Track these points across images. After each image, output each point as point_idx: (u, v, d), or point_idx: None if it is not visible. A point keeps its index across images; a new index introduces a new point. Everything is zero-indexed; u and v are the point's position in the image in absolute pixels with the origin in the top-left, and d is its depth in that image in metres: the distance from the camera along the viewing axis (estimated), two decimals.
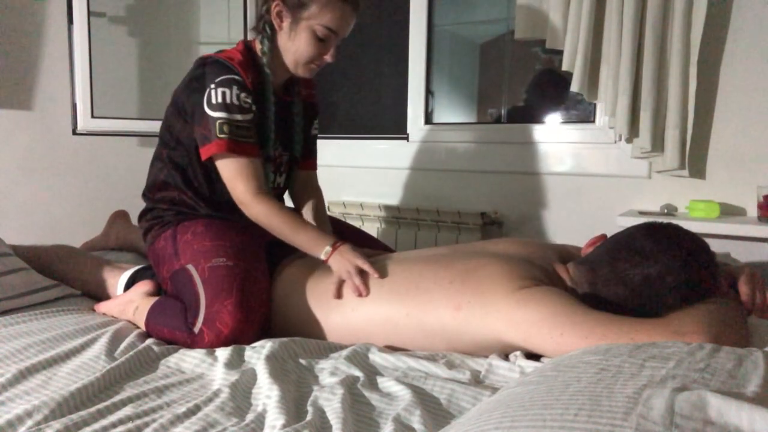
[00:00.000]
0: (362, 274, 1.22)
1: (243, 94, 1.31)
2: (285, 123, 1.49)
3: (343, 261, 1.24)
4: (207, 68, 1.32)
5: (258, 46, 1.40)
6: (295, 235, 1.31)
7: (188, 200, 1.40)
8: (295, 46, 1.36)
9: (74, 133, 2.20)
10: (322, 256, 1.27)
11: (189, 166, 1.40)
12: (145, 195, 1.49)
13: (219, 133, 1.28)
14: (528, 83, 2.42)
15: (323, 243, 1.29)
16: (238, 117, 1.30)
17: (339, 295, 1.23)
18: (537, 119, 2.31)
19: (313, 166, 1.66)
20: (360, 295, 1.19)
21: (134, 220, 2.01)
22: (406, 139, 2.47)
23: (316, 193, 1.62)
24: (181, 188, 1.40)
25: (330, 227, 1.56)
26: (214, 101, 1.28)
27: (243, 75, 1.32)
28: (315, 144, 1.65)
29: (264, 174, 1.38)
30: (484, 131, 2.33)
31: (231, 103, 1.28)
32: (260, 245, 1.37)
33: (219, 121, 1.28)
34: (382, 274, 1.21)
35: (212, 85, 1.29)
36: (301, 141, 1.54)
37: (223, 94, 1.28)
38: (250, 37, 1.46)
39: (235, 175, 1.31)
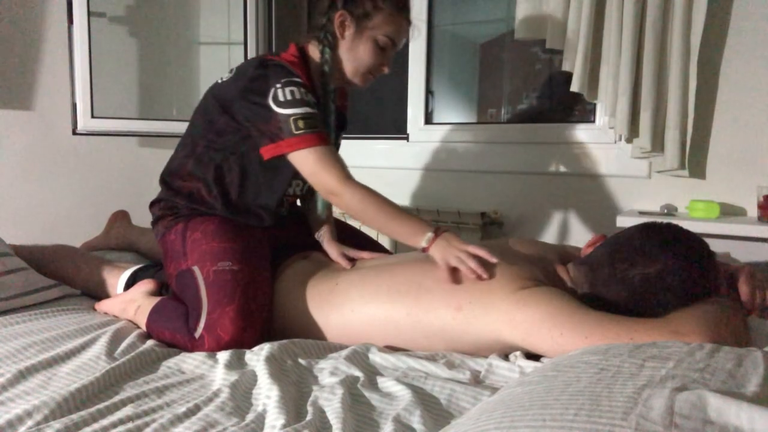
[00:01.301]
0: (472, 258, 1.15)
1: (309, 93, 1.30)
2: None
3: (450, 248, 1.17)
4: (270, 70, 1.31)
5: (315, 54, 1.42)
6: (392, 221, 1.25)
7: (207, 197, 1.38)
8: (355, 55, 1.39)
9: (74, 133, 2.20)
10: (424, 243, 1.20)
11: (224, 162, 1.38)
12: (164, 180, 1.45)
13: (295, 130, 1.26)
14: (542, 85, 2.42)
15: (425, 229, 1.22)
16: (310, 110, 1.28)
17: (457, 279, 1.13)
18: (537, 119, 2.31)
19: None
20: (480, 278, 1.11)
21: (135, 221, 2.01)
22: (406, 139, 2.47)
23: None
24: (207, 183, 1.38)
25: (334, 227, 1.55)
26: (282, 99, 1.27)
27: (304, 78, 1.32)
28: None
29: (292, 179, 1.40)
30: (484, 131, 2.33)
31: (301, 99, 1.27)
32: (267, 249, 1.37)
33: (292, 117, 1.26)
34: (494, 257, 1.12)
35: (278, 85, 1.27)
36: (334, 146, 1.54)
37: (292, 92, 1.27)
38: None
39: (320, 166, 1.27)
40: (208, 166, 1.38)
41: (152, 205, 1.47)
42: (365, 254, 1.41)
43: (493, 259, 1.12)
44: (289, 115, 1.26)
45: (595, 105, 2.10)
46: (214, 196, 1.38)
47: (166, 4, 2.51)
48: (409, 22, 1.41)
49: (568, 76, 1.92)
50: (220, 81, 1.40)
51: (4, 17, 2.13)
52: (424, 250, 1.20)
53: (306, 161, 1.28)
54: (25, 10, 2.17)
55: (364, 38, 1.37)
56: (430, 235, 1.20)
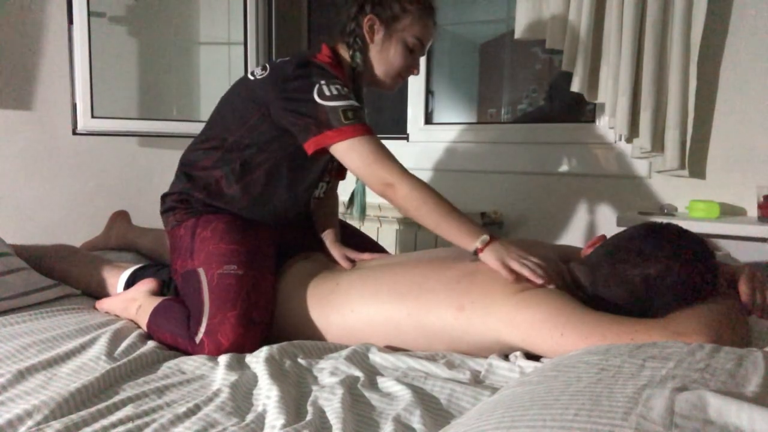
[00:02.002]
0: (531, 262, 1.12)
1: (352, 95, 1.30)
2: None
3: (509, 252, 1.13)
4: (312, 69, 1.30)
5: (346, 56, 1.42)
6: (447, 219, 1.20)
7: (226, 190, 1.36)
8: (387, 58, 1.41)
9: (74, 133, 2.20)
10: (478, 245, 1.15)
11: (253, 159, 1.36)
12: (183, 170, 1.43)
13: (344, 119, 1.24)
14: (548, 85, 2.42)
15: (480, 231, 1.18)
16: (356, 104, 1.28)
17: (518, 279, 1.09)
18: (537, 119, 2.31)
19: (344, 176, 1.64)
20: (543, 284, 1.07)
21: (135, 220, 2.01)
22: (406, 139, 2.47)
23: (333, 193, 1.62)
24: (228, 176, 1.36)
25: (339, 229, 1.55)
26: (328, 93, 1.26)
27: (344, 81, 1.32)
28: None
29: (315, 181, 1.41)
30: (484, 131, 2.33)
31: (346, 95, 1.27)
32: (273, 251, 1.37)
33: (341, 108, 1.25)
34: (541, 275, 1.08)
35: (322, 81, 1.27)
36: None
37: (337, 89, 1.27)
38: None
39: (375, 157, 1.24)
40: (234, 159, 1.36)
41: (165, 195, 1.45)
42: (366, 255, 1.41)
43: (540, 268, 1.09)
44: (338, 107, 1.25)
45: (595, 105, 2.10)
46: (234, 190, 1.36)
47: (166, 4, 2.51)
48: (435, 23, 1.44)
49: (569, 76, 1.92)
50: (252, 77, 1.37)
51: (4, 17, 2.13)
52: (478, 251, 1.16)
53: (357, 152, 1.25)
54: (25, 10, 2.17)
55: (394, 41, 1.39)
56: (485, 237, 1.16)
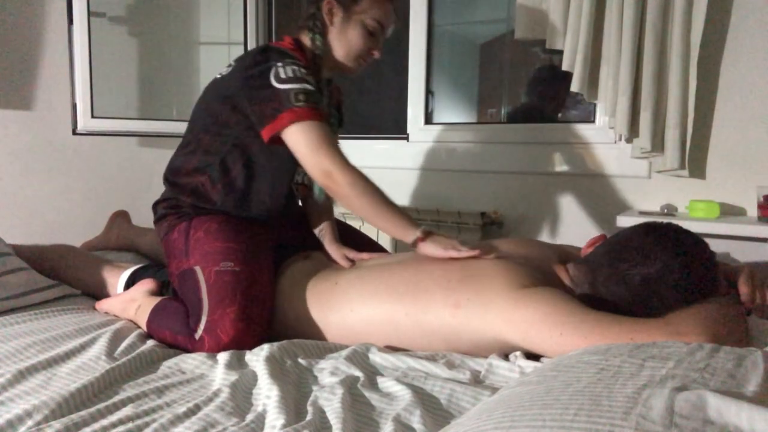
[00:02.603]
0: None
1: (310, 76, 1.31)
2: None
3: (445, 241, 1.22)
4: (270, 53, 1.32)
5: (308, 43, 1.43)
6: (384, 212, 1.25)
7: (211, 191, 1.37)
8: (345, 41, 1.41)
9: (74, 133, 2.20)
10: (419, 234, 1.22)
11: (229, 155, 1.37)
12: (168, 179, 1.45)
13: (294, 101, 1.25)
14: (528, 81, 2.42)
15: (416, 226, 1.25)
16: (310, 87, 1.28)
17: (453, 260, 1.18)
18: (537, 119, 2.31)
19: None
20: (476, 257, 1.17)
21: (135, 221, 2.01)
22: (406, 139, 2.47)
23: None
24: (212, 176, 1.37)
25: (335, 226, 1.55)
26: (284, 75, 1.27)
27: (303, 62, 1.33)
28: None
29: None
30: (484, 131, 2.33)
31: (302, 77, 1.28)
32: (269, 249, 1.37)
33: (293, 91, 1.26)
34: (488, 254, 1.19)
35: (279, 64, 1.28)
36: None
37: (293, 70, 1.28)
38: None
39: (318, 143, 1.24)
40: (213, 159, 1.37)
41: (156, 204, 1.47)
42: (365, 255, 1.41)
43: (486, 255, 1.17)
44: (290, 89, 1.26)
45: (595, 105, 2.10)
46: (218, 190, 1.37)
47: (166, 4, 2.51)
48: (395, 6, 1.44)
49: (569, 76, 1.92)
50: (219, 76, 1.41)
51: (4, 17, 2.13)
52: (418, 241, 1.22)
53: (303, 137, 1.25)
54: (25, 10, 2.17)
55: (353, 23, 1.40)
56: (419, 233, 1.23)
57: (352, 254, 1.41)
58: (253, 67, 1.31)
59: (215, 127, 1.37)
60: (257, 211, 1.39)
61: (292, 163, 1.37)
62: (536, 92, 2.39)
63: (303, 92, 1.26)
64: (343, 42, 1.42)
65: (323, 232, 1.51)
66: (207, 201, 1.38)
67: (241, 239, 1.31)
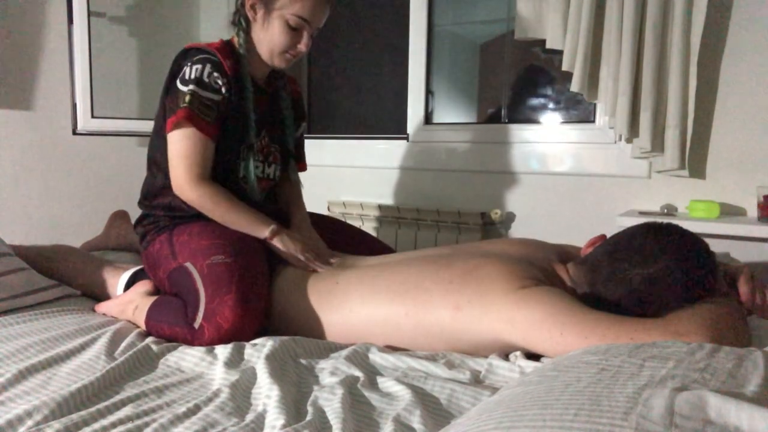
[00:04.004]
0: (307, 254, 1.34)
1: (216, 74, 1.34)
2: (272, 115, 1.52)
3: (294, 242, 1.35)
4: (187, 53, 1.38)
5: (236, 39, 1.44)
6: (238, 218, 1.35)
7: (183, 204, 1.39)
8: (269, 37, 1.40)
9: (74, 133, 2.20)
10: (268, 234, 1.35)
11: None
12: (141, 203, 1.50)
13: (182, 103, 1.31)
14: (515, 80, 2.42)
15: (268, 224, 1.36)
16: (205, 94, 1.33)
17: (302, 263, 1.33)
18: (537, 119, 2.31)
19: (304, 168, 1.70)
20: (314, 270, 1.32)
21: (134, 221, 2.01)
22: (406, 139, 2.47)
23: (295, 183, 1.64)
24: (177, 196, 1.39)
25: (305, 213, 1.58)
26: (186, 77, 1.33)
27: (221, 59, 1.36)
28: (303, 147, 1.69)
29: (248, 161, 1.43)
30: (484, 131, 2.33)
31: (201, 79, 1.32)
32: (258, 243, 1.37)
33: (187, 94, 1.31)
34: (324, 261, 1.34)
35: (188, 63, 1.34)
36: (293, 134, 1.59)
37: (197, 70, 1.33)
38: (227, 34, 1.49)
39: (182, 152, 1.32)
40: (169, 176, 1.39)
41: (136, 224, 1.50)
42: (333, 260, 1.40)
43: (322, 264, 1.32)
44: (186, 92, 1.32)
45: (595, 105, 2.10)
46: (188, 205, 1.38)
47: (166, 4, 2.51)
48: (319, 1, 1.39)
49: (569, 76, 1.92)
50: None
51: (4, 17, 2.13)
52: (267, 239, 1.34)
53: (176, 142, 1.34)
54: (25, 10, 2.17)
55: (273, 18, 1.38)
56: (274, 227, 1.35)
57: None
58: (171, 68, 1.38)
59: (163, 144, 1.39)
60: None
61: (235, 156, 1.41)
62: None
63: (193, 95, 1.31)
64: (266, 38, 1.40)
65: (294, 221, 1.53)
66: (182, 211, 1.40)
67: (227, 235, 1.32)
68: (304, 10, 1.37)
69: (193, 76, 1.32)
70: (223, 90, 1.35)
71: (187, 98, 1.31)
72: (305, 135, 1.72)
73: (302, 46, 1.41)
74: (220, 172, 1.40)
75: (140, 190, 1.51)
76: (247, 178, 1.45)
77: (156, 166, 1.44)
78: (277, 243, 1.34)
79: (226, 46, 1.42)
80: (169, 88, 1.36)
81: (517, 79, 2.44)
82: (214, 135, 1.35)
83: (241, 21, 1.42)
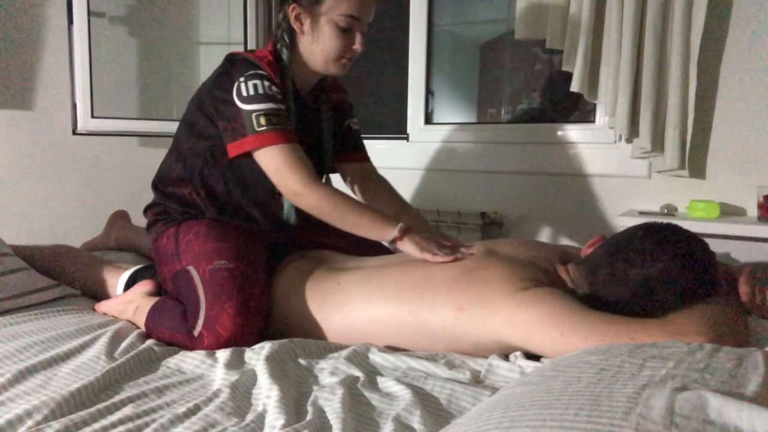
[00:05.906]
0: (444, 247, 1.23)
1: (273, 86, 1.29)
2: (312, 130, 1.47)
3: (425, 240, 1.23)
4: (235, 64, 1.31)
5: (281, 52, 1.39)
6: (360, 220, 1.26)
7: (198, 201, 1.38)
8: (321, 45, 1.34)
9: (74, 133, 2.20)
10: (397, 233, 1.24)
11: (206, 165, 1.38)
12: (155, 186, 1.46)
13: (257, 126, 1.25)
14: (515, 80, 2.42)
15: (394, 223, 1.25)
16: (274, 106, 1.27)
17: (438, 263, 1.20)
18: (537, 119, 2.31)
19: (364, 158, 1.61)
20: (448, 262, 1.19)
21: (135, 221, 2.01)
22: (406, 139, 2.47)
23: (382, 182, 1.58)
24: (195, 186, 1.38)
25: (412, 209, 1.53)
26: (245, 94, 1.26)
27: (270, 74, 1.30)
28: (357, 138, 1.61)
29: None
30: (484, 131, 2.33)
31: (264, 94, 1.26)
32: (262, 248, 1.37)
33: (255, 113, 1.25)
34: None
35: (241, 79, 1.27)
36: (331, 149, 1.53)
37: (255, 86, 1.26)
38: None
39: (284, 164, 1.26)
40: (193, 169, 1.38)
41: (146, 210, 1.48)
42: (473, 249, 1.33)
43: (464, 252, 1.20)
44: (252, 111, 1.26)
45: (595, 105, 2.10)
46: (203, 199, 1.38)
47: (166, 4, 2.51)
48: None
49: (568, 76, 1.92)
50: (206, 80, 1.41)
51: (4, 17, 2.13)
52: (396, 240, 1.24)
53: (270, 160, 1.27)
54: (25, 10, 2.17)
55: (322, 25, 1.32)
56: (402, 225, 1.24)
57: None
58: (217, 77, 1.33)
59: (193, 137, 1.38)
60: (246, 220, 1.39)
61: (266, 178, 1.36)
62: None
63: (263, 114, 1.26)
64: (318, 47, 1.34)
65: (405, 218, 1.42)
66: (195, 208, 1.39)
67: (232, 238, 1.32)
68: (352, 7, 1.30)
69: (252, 93, 1.26)
70: (283, 99, 1.31)
71: (261, 119, 1.25)
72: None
73: (357, 46, 1.34)
74: (253, 187, 1.38)
75: (157, 168, 1.46)
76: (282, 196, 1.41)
77: (178, 153, 1.41)
78: (407, 243, 1.23)
79: (272, 59, 1.35)
80: (226, 99, 1.28)
81: (517, 79, 2.44)
82: (296, 137, 1.30)
83: (284, 36, 1.36)
